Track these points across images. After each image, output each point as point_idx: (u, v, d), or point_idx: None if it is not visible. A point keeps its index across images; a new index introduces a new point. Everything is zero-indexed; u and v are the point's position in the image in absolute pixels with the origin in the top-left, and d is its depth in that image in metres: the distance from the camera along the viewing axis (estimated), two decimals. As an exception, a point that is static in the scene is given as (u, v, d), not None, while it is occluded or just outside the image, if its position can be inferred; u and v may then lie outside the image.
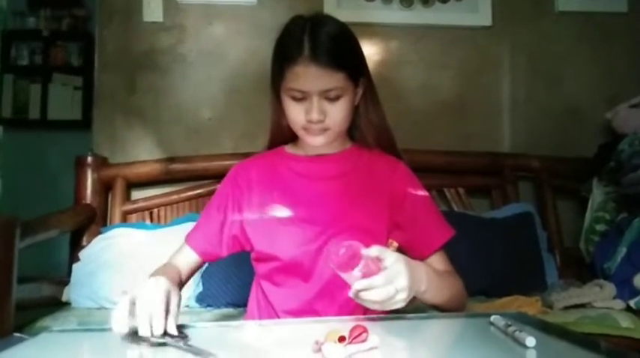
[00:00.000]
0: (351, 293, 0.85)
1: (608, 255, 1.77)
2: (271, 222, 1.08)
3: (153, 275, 0.95)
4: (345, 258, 0.84)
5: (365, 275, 0.84)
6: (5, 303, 1.30)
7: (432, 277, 0.96)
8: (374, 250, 0.86)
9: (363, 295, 0.84)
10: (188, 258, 1.10)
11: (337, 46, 1.02)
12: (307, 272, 1.06)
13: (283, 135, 1.16)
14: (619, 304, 1.54)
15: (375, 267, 0.85)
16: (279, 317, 1.07)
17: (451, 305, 1.03)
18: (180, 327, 0.81)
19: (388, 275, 0.85)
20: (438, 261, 1.10)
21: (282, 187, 1.11)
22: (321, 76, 1.00)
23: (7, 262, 1.31)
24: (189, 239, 1.11)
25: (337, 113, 1.04)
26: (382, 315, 0.91)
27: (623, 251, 1.72)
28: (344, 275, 0.85)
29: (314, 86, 1.01)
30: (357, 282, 0.84)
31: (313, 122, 1.03)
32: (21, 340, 0.80)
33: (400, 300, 0.86)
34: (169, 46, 2.16)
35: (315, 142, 1.07)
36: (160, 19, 2.15)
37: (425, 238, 1.10)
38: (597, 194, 1.97)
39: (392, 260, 0.87)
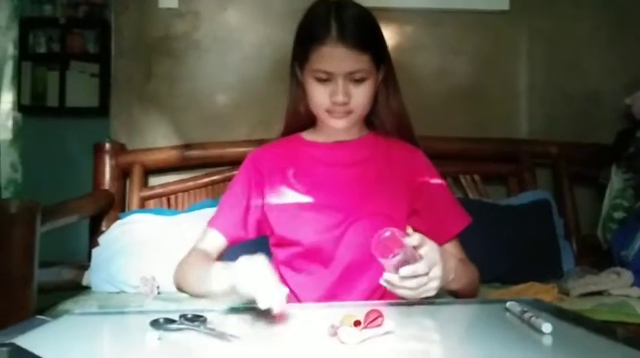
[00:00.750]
0: (383, 281, 0.85)
1: (625, 243, 1.75)
2: (293, 207, 1.09)
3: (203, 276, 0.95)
4: (387, 244, 0.84)
5: (403, 263, 0.84)
6: (28, 286, 1.33)
7: (457, 266, 0.97)
8: (415, 238, 0.86)
9: (403, 282, 0.84)
10: (216, 243, 1.09)
11: (363, 28, 1.03)
12: (327, 258, 1.07)
13: (299, 122, 1.16)
14: (636, 292, 1.53)
15: (412, 255, 0.85)
16: (300, 302, 1.08)
17: (466, 291, 1.05)
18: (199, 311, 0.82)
19: (428, 264, 0.85)
20: (453, 248, 1.11)
21: (302, 173, 1.12)
22: (348, 56, 1.00)
23: (29, 246, 1.34)
24: (215, 224, 1.10)
25: (361, 96, 1.04)
26: (398, 300, 0.91)
27: (641, 238, 1.70)
28: (382, 261, 0.85)
29: (340, 67, 1.01)
30: (402, 269, 0.83)
31: (338, 104, 1.03)
32: (43, 322, 0.82)
33: (432, 288, 0.87)
34: (184, 33, 2.16)
35: (338, 125, 1.07)
36: (175, 6, 2.15)
37: (441, 225, 1.11)
38: (616, 181, 1.94)
39: (427, 248, 0.87)
